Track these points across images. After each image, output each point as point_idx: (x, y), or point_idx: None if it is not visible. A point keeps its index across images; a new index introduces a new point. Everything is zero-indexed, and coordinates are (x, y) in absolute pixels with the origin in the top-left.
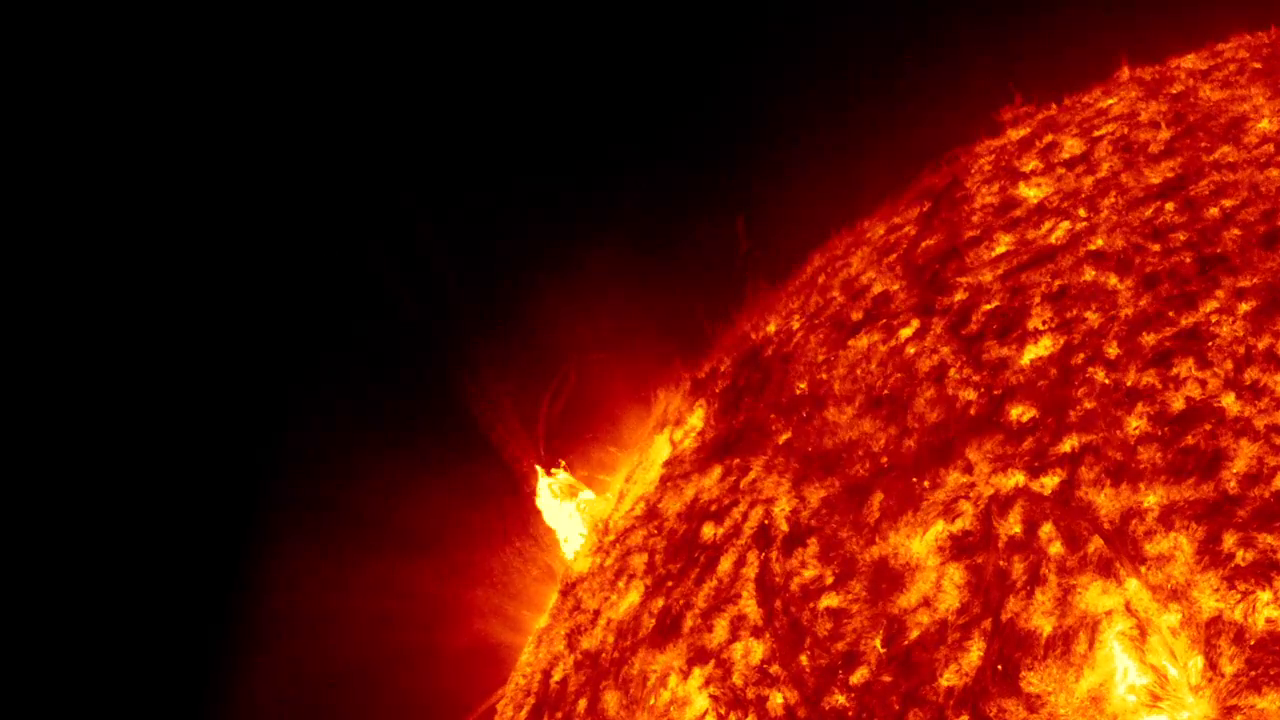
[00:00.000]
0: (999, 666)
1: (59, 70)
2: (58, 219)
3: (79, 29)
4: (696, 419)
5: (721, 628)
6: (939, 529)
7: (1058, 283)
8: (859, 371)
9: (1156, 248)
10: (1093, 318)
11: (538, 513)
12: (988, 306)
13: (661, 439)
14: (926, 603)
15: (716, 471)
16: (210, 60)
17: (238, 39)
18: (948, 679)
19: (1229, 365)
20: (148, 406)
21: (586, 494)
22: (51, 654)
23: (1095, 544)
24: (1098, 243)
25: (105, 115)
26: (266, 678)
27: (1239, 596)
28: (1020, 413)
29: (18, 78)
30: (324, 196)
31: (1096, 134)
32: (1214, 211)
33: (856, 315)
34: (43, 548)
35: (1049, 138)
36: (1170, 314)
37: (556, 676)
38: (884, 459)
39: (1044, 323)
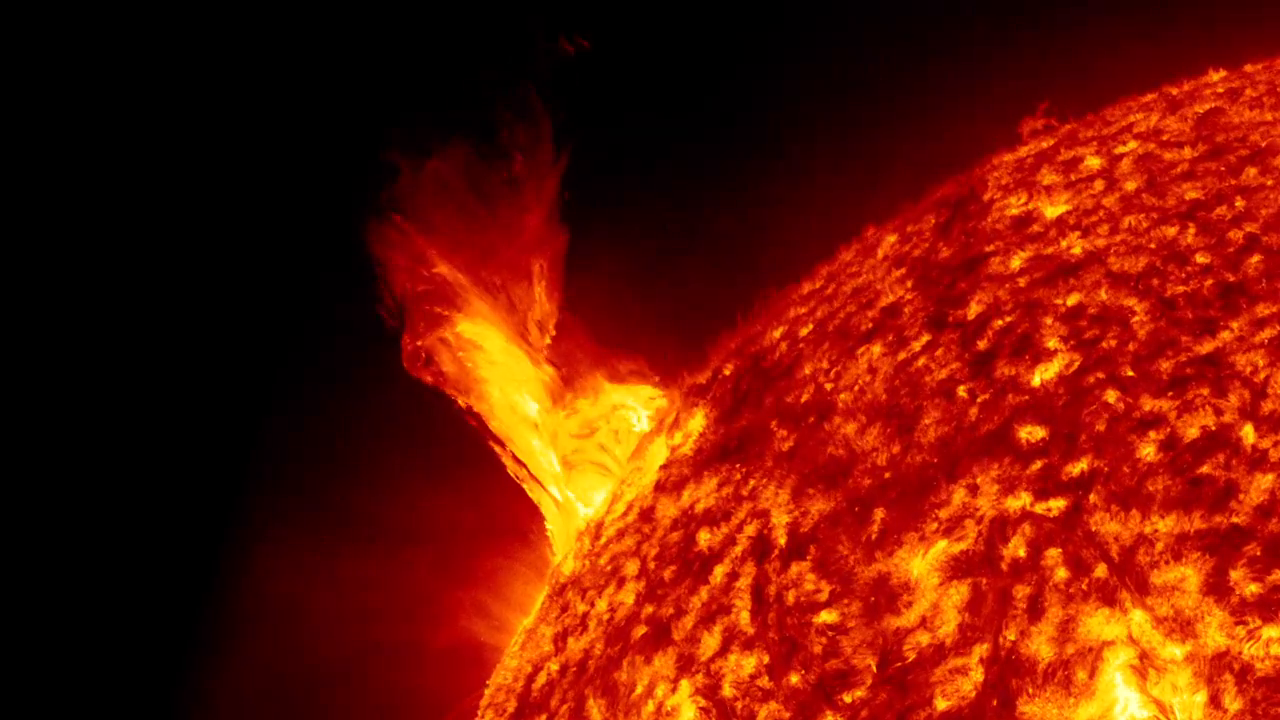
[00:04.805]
0: (997, 692)
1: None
2: (38, 210)
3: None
4: (696, 423)
5: (713, 638)
6: (941, 548)
7: (1073, 301)
8: (865, 383)
9: (1176, 271)
10: (1108, 340)
11: (529, 512)
12: (1000, 323)
13: (659, 442)
14: (925, 623)
15: (714, 478)
16: (197, 51)
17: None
18: (943, 702)
19: (1246, 395)
20: (129, 393)
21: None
22: (25, 645)
23: (1100, 571)
24: (1116, 263)
25: (81, 102)
26: (246, 671)
27: (1246, 631)
28: (1029, 433)
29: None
30: (318, 182)
31: (1119, 151)
32: (1236, 236)
33: (865, 325)
34: (18, 537)
35: (1070, 152)
36: (1187, 339)
37: (540, 680)
38: (887, 473)
39: (1058, 342)
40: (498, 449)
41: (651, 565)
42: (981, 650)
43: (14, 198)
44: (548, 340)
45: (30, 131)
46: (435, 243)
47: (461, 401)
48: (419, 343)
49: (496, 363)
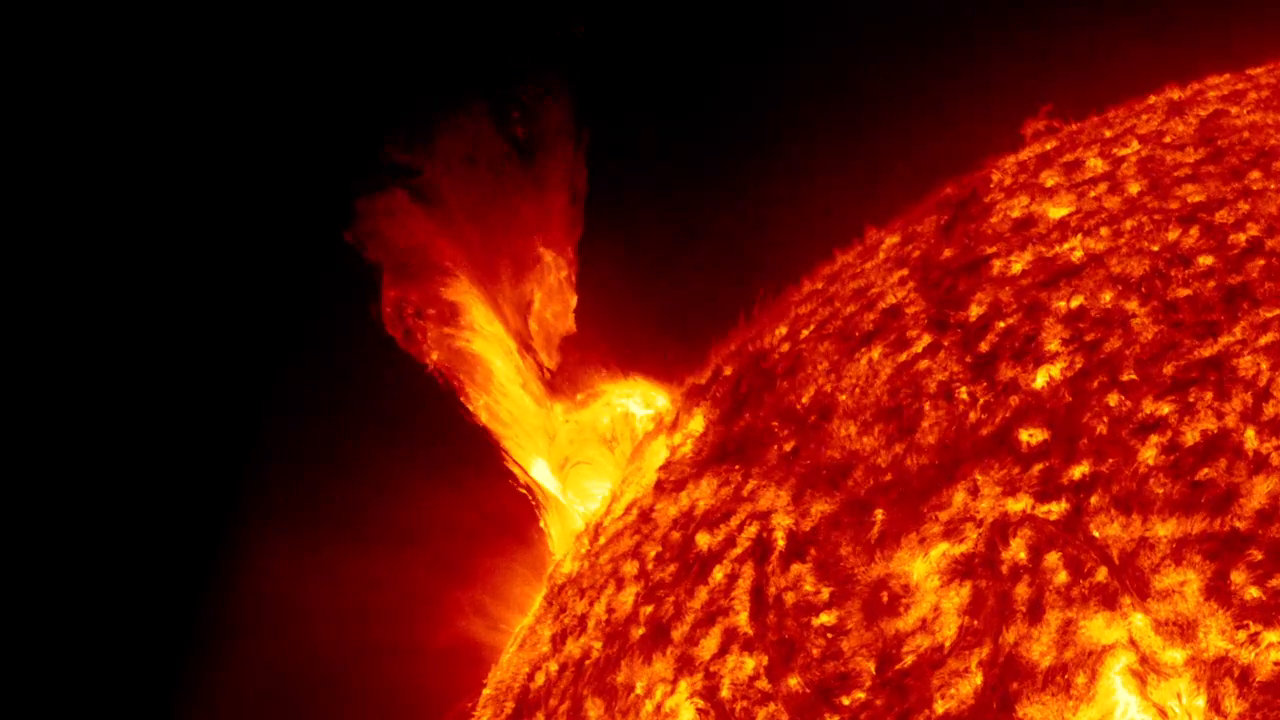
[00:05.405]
0: (996, 695)
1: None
2: (37, 210)
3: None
4: (696, 424)
5: (712, 639)
6: (941, 551)
7: (1075, 304)
8: (866, 384)
9: (1178, 274)
10: (1110, 342)
11: (528, 512)
12: (1002, 324)
13: (658, 443)
14: (924, 626)
15: (714, 479)
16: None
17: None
18: (943, 705)
19: (1248, 398)
20: (128, 393)
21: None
22: (24, 645)
23: (1101, 575)
24: (1118, 265)
25: (79, 102)
26: (244, 671)
27: (1246, 636)
28: (1030, 436)
29: None
30: (318, 181)
31: (1122, 153)
32: (1239, 239)
33: (866, 327)
34: (17, 537)
35: (1073, 154)
36: (1190, 343)
37: (539, 681)
38: (888, 475)
39: (1059, 344)
40: (496, 448)
41: (651, 566)
42: (981, 653)
43: (13, 198)
44: (557, 342)
45: (28, 131)
46: (438, 226)
47: (429, 360)
48: (401, 298)
49: (495, 363)
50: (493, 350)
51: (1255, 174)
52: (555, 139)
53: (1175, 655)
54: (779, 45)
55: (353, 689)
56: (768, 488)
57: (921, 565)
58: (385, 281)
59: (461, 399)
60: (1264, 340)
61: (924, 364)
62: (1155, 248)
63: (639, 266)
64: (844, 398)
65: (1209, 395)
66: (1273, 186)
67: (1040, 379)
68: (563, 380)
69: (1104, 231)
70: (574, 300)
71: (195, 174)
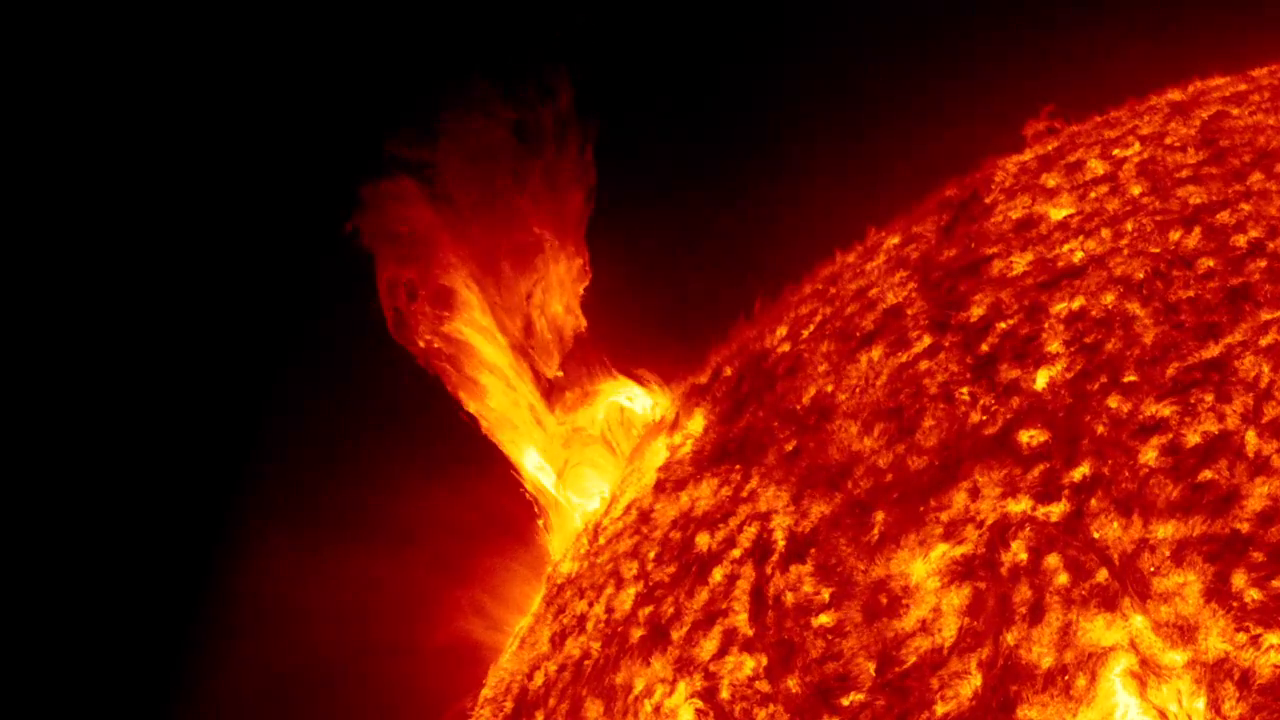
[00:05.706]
0: (996, 697)
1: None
2: (37, 210)
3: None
4: (696, 424)
5: (712, 640)
6: (941, 552)
7: (1076, 305)
8: (866, 385)
9: (1179, 275)
10: (1111, 344)
11: (527, 512)
12: (1003, 325)
13: (658, 443)
14: (924, 627)
15: (714, 480)
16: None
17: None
18: (943, 707)
19: (1249, 400)
20: (128, 392)
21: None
22: (24, 645)
23: (1101, 576)
24: (1119, 267)
25: (80, 102)
26: (244, 670)
27: (1247, 638)
28: (1030, 437)
29: None
30: (318, 180)
31: (1123, 154)
32: (1240, 240)
33: (867, 327)
34: (16, 537)
35: (1074, 155)
36: (1191, 344)
37: (538, 681)
38: (888, 476)
39: (1060, 345)
40: (496, 447)
41: (650, 566)
42: (981, 655)
43: (14, 198)
44: (561, 339)
45: (29, 131)
46: (441, 221)
47: (423, 342)
48: (396, 279)
49: (494, 360)
50: (491, 347)
51: (1257, 175)
52: (561, 136)
53: (1175, 657)
54: (779, 45)
55: (353, 689)
56: (768, 488)
57: (921, 566)
58: (383, 265)
59: (449, 388)
60: (1265, 342)
61: (924, 365)
62: (1156, 249)
63: (639, 266)
64: (844, 398)
65: (1210, 397)
66: (1274, 188)
67: (1041, 380)
68: (562, 380)
69: (1105, 233)
70: (581, 294)
71: (196, 173)
